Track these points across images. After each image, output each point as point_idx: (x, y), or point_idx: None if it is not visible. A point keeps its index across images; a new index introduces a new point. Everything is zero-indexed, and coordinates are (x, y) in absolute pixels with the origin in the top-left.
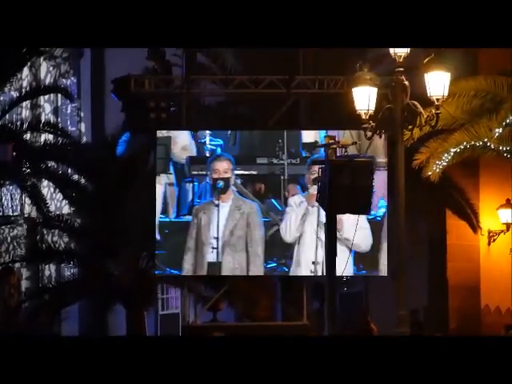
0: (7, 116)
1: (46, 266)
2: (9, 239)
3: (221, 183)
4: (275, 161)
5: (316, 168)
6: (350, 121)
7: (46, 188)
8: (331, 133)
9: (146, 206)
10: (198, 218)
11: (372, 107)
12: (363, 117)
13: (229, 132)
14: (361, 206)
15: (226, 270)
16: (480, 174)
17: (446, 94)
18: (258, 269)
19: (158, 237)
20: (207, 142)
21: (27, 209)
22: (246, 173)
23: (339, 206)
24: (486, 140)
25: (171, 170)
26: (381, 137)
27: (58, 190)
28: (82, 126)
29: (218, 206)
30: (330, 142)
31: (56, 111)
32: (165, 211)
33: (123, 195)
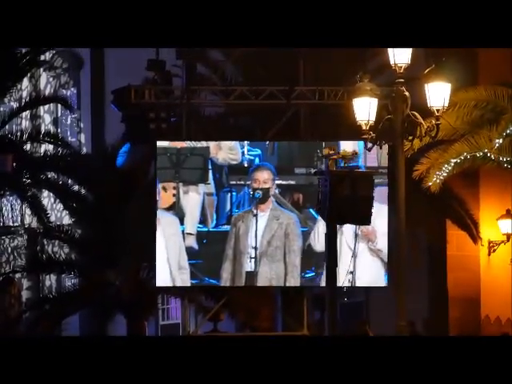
0: (7, 127)
1: (47, 277)
2: (9, 250)
3: (260, 193)
4: (313, 171)
5: None
6: (350, 131)
7: (47, 198)
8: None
9: (147, 217)
10: (236, 227)
11: (372, 118)
12: (363, 127)
13: (267, 142)
14: (361, 216)
15: (262, 280)
16: (480, 184)
17: (447, 104)
18: (295, 279)
19: (195, 246)
20: (245, 151)
21: (27, 219)
22: (284, 183)
23: (339, 216)
24: (486, 151)
25: (210, 179)
26: (381, 147)
27: (58, 201)
28: (82, 137)
29: (256, 215)
30: (331, 152)
31: (56, 122)
32: (203, 221)
33: (123, 206)
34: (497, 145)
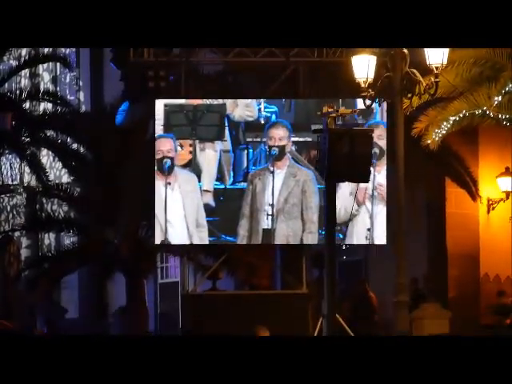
0: (6, 85)
1: (46, 235)
2: (8, 208)
3: (276, 150)
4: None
5: None
6: (350, 89)
7: (46, 157)
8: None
9: (146, 175)
10: (253, 184)
11: (371, 75)
12: (362, 85)
13: (283, 99)
14: (360, 174)
15: (279, 237)
16: (479, 142)
17: (446, 62)
18: (312, 236)
19: (212, 203)
20: (262, 108)
21: (27, 178)
22: (301, 140)
23: (338, 174)
24: (485, 108)
25: (227, 136)
26: (380, 105)
27: (57, 159)
28: (81, 95)
29: (273, 172)
30: (329, 110)
31: (55, 80)
32: (220, 178)
33: (122, 164)
34: (496, 102)
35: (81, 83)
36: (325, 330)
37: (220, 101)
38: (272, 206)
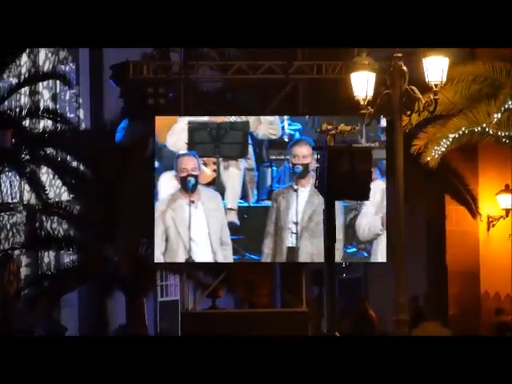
0: (6, 102)
1: (46, 253)
2: (8, 226)
3: (300, 168)
4: (354, 145)
5: None
6: (349, 106)
7: (45, 175)
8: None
9: (145, 193)
10: (277, 202)
11: (370, 93)
12: (361, 102)
13: (307, 116)
14: (360, 192)
15: (303, 255)
16: (479, 159)
17: (445, 79)
18: (337, 253)
19: (237, 221)
20: (286, 126)
21: (26, 196)
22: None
23: (338, 191)
24: (484, 125)
25: (251, 154)
26: (379, 122)
27: (56, 177)
28: (81, 113)
29: (296, 190)
30: (329, 127)
31: (55, 98)
32: (244, 196)
33: (122, 182)
34: (495, 119)
35: (80, 101)
36: None
37: (243, 118)
38: (296, 224)
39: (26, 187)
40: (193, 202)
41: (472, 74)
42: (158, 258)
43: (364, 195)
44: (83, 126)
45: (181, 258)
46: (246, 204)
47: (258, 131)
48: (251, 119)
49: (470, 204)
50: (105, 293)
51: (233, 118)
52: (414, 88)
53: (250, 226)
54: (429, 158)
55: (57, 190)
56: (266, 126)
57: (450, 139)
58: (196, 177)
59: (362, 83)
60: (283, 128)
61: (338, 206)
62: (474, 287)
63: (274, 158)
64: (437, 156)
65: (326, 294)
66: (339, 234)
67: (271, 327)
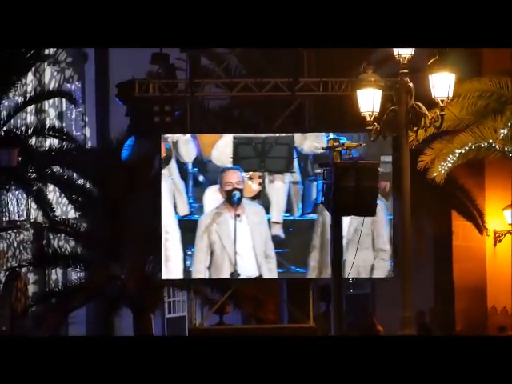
0: (12, 121)
1: (53, 271)
2: (15, 244)
3: None
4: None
5: None
6: (355, 123)
7: (52, 193)
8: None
9: (152, 210)
10: (322, 215)
11: (376, 109)
12: (368, 119)
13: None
14: (366, 207)
15: (350, 268)
16: (485, 174)
17: (451, 95)
18: (384, 264)
19: (282, 235)
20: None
21: (33, 213)
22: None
23: (344, 207)
24: (491, 141)
25: (296, 168)
26: (385, 138)
27: (63, 195)
28: (87, 131)
29: None
30: (335, 144)
31: (61, 116)
32: (289, 210)
33: (129, 199)
34: (502, 135)
35: (86, 119)
36: None
37: (289, 134)
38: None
39: (33, 205)
40: (238, 215)
41: (478, 89)
42: (202, 272)
43: (370, 211)
44: (89, 144)
45: (226, 271)
46: (291, 217)
47: (303, 146)
48: (296, 135)
49: (477, 219)
50: (112, 310)
51: (278, 134)
52: (420, 104)
53: (295, 239)
54: (435, 174)
55: (63, 207)
56: (312, 141)
57: (457, 155)
58: (241, 190)
59: (369, 100)
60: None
61: (385, 217)
62: (481, 302)
63: (319, 171)
64: (443, 172)
65: (333, 310)
66: (386, 246)
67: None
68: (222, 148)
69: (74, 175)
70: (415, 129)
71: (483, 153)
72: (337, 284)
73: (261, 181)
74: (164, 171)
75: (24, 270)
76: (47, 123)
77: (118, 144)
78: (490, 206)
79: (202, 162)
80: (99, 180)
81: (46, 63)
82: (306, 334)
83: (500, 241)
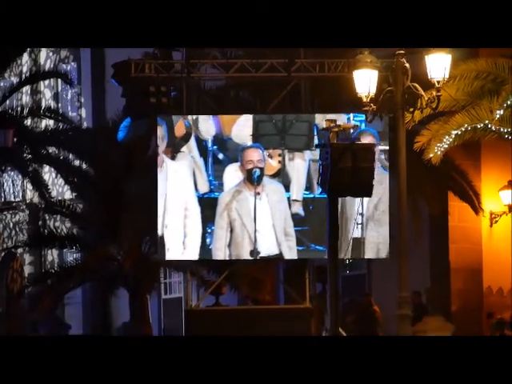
0: (7, 102)
1: (49, 251)
2: (11, 225)
3: None
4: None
5: None
6: (352, 104)
7: (48, 173)
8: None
9: (148, 191)
10: None
11: (373, 90)
12: (364, 100)
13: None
14: (362, 188)
15: (369, 245)
16: (482, 155)
17: (447, 76)
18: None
19: (302, 213)
20: (351, 117)
21: (29, 194)
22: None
23: (341, 188)
24: (487, 122)
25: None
26: (382, 119)
27: (59, 176)
28: (83, 112)
29: None
30: (332, 125)
31: (56, 97)
32: (309, 187)
33: (125, 180)
34: (498, 116)
35: (82, 100)
36: None
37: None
38: (362, 214)
39: (29, 186)
40: (258, 193)
41: (474, 70)
42: (222, 249)
43: (367, 192)
44: (85, 124)
45: (246, 249)
46: (311, 195)
47: (323, 123)
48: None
49: (473, 200)
50: (108, 290)
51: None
52: (416, 85)
53: (315, 217)
54: (431, 155)
55: (59, 188)
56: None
57: (453, 136)
58: (262, 169)
59: (365, 81)
60: (349, 119)
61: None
62: (477, 283)
63: None
64: (439, 153)
65: (329, 291)
66: None
67: (274, 324)
68: (241, 126)
69: (70, 156)
70: (411, 110)
71: (479, 134)
72: (333, 265)
73: (280, 158)
74: (183, 149)
75: (20, 250)
76: (43, 104)
77: (114, 125)
78: (486, 186)
79: (221, 140)
80: (95, 161)
81: None
82: (302, 315)
83: (496, 221)
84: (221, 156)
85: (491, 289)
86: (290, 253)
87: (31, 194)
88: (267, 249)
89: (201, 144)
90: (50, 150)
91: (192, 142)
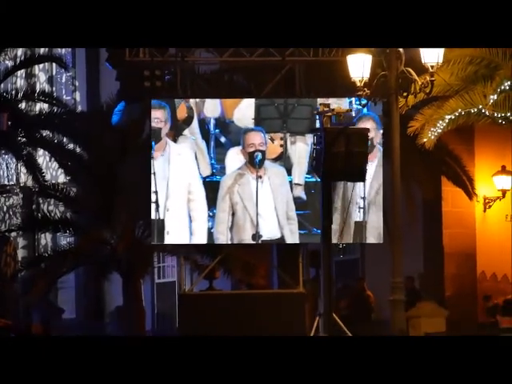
0: (2, 85)
1: (42, 235)
2: (5, 208)
3: None
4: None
5: None
6: (346, 88)
7: (42, 157)
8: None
9: (142, 175)
10: None
11: (366, 74)
12: (358, 84)
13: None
14: (355, 173)
15: (370, 229)
16: (475, 140)
17: (441, 60)
18: None
19: (303, 197)
20: (353, 101)
21: (23, 178)
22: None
23: (334, 173)
24: (480, 107)
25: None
26: (375, 104)
27: (53, 159)
28: (77, 95)
29: None
30: (325, 109)
31: (51, 80)
32: (311, 171)
33: (119, 164)
34: (491, 101)
35: (77, 83)
36: (321, 328)
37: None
38: (364, 198)
39: (23, 169)
40: (260, 177)
41: (468, 55)
42: (223, 233)
43: (360, 177)
44: (79, 108)
45: (248, 233)
46: (313, 179)
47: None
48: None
49: (467, 185)
50: (101, 274)
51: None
52: (410, 70)
53: (317, 201)
54: (425, 140)
55: (53, 172)
56: (334, 101)
57: (447, 120)
58: (263, 152)
59: (359, 65)
60: (351, 103)
61: None
62: (471, 268)
63: None
64: (433, 137)
65: (322, 275)
66: None
67: (268, 308)
68: (243, 109)
69: (64, 139)
70: (405, 94)
71: (473, 118)
72: (326, 249)
73: (282, 142)
74: (185, 132)
75: (13, 234)
76: (37, 87)
77: (109, 108)
78: (479, 171)
79: (224, 123)
80: (89, 144)
81: None
82: (296, 300)
83: (490, 207)
84: (223, 139)
85: (485, 274)
86: (292, 236)
87: (25, 178)
88: (269, 232)
89: (203, 127)
90: (44, 134)
91: (194, 124)
